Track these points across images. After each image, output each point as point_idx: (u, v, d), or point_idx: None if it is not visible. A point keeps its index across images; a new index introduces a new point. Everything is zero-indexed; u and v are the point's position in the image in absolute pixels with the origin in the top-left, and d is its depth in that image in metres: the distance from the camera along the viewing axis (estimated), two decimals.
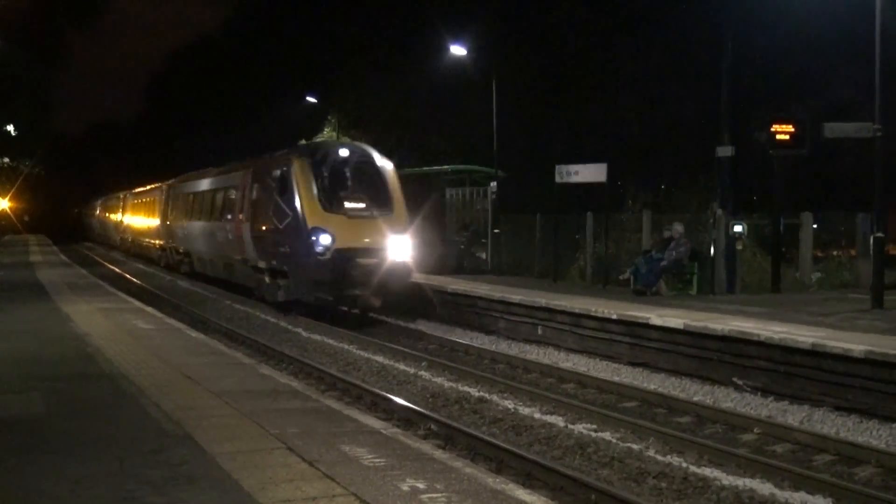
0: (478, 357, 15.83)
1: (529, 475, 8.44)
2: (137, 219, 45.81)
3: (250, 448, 7.11)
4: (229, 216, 24.87)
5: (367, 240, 19.07)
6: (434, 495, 5.93)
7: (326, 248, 18.62)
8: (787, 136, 19.33)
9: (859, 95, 21.87)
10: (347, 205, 19.47)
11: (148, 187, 44.40)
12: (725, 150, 20.46)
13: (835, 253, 23.97)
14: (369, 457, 6.89)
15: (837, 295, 19.04)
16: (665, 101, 37.65)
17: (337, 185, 19.84)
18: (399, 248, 19.22)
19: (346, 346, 16.51)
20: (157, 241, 39.11)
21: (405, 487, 6.08)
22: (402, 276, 19.33)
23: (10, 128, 63.16)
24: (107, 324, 15.55)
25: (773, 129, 19.30)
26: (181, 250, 33.01)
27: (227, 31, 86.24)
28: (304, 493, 5.93)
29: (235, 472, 6.38)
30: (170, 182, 36.85)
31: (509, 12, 44.51)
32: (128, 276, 34.22)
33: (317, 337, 17.66)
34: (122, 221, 52.68)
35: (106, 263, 42.53)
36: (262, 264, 21.50)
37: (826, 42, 31.17)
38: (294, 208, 19.32)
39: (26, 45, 51.80)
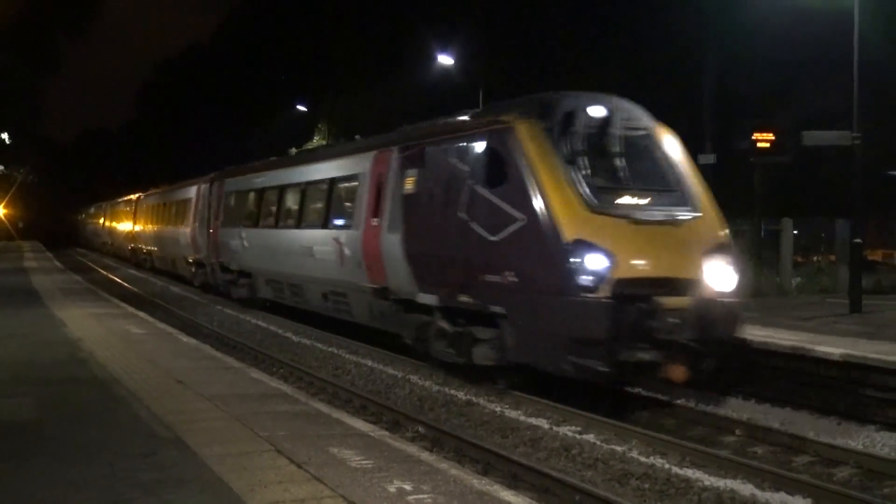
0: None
1: (515, 476, 8.46)
2: (156, 227, 37.11)
3: (240, 451, 7.11)
4: (339, 221, 17.11)
5: (668, 262, 11.05)
6: (421, 496, 5.95)
7: (600, 279, 10.52)
8: (767, 144, 19.49)
9: (843, 104, 22.10)
10: (626, 201, 11.36)
11: (175, 186, 35.26)
12: (707, 158, 20.60)
13: (814, 258, 24.15)
14: (357, 459, 6.90)
15: (817, 300, 19.17)
16: (650, 108, 37.84)
17: (601, 166, 11.70)
18: (719, 275, 11.20)
19: (335, 351, 16.49)
20: (189, 256, 29.87)
21: (392, 489, 6.10)
22: (728, 325, 11.07)
23: (5, 136, 63.02)
24: (99, 329, 15.51)
25: (754, 137, 19.46)
26: (233, 268, 24.14)
27: (217, 40, 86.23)
28: (292, 495, 5.93)
29: (225, 475, 6.38)
30: (214, 176, 27.48)
31: (496, 22, 44.67)
32: (121, 281, 34.13)
33: (306, 342, 17.63)
34: (132, 230, 44.46)
35: (99, 269, 42.39)
36: (428, 299, 13.35)
37: (810, 51, 31.40)
38: (528, 206, 11.16)
39: (19, 53, 51.71)
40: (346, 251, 16.23)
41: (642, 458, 9.13)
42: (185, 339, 15.04)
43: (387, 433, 8.35)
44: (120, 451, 7.09)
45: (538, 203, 11.04)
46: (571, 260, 10.56)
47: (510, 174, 11.58)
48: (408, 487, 6.15)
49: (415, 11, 47.65)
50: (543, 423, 10.63)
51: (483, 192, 12.00)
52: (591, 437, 10.00)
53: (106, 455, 6.96)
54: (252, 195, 23.09)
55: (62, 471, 6.54)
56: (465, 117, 13.63)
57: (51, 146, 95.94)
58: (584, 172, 11.32)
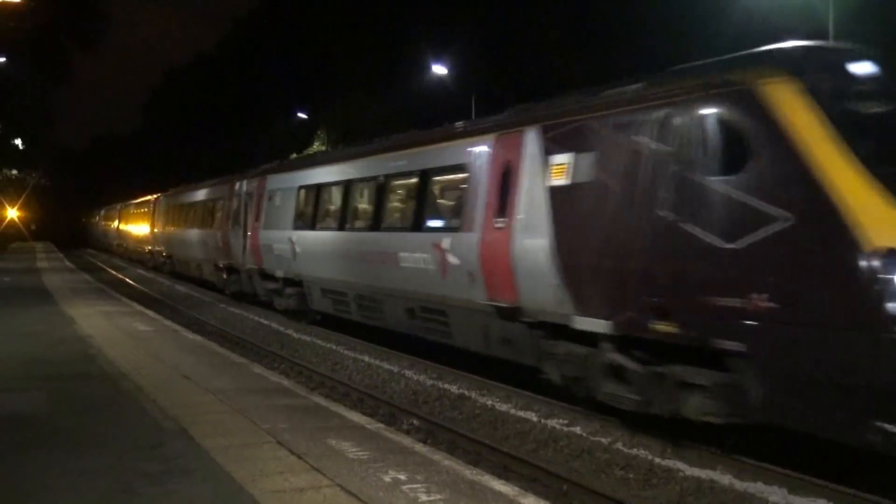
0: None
1: (505, 467, 8.48)
2: (179, 229, 33.06)
3: (242, 442, 7.12)
4: (439, 222, 13.51)
5: None
6: (414, 486, 5.97)
7: None
8: None
9: None
10: None
11: (202, 185, 30.95)
12: None
13: None
14: (354, 450, 6.92)
15: None
16: None
17: (890, 142, 7.94)
18: None
19: (333, 347, 16.49)
20: (220, 261, 25.65)
21: (387, 479, 6.11)
22: None
23: (18, 141, 63.03)
24: (108, 326, 15.50)
25: None
26: (278, 275, 20.07)
27: (221, 51, 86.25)
28: (292, 485, 5.95)
29: (228, 465, 6.40)
30: (253, 173, 23.50)
31: (488, 32, 44.74)
32: (129, 280, 34.08)
33: (306, 338, 17.63)
34: (151, 232, 40.73)
35: (109, 269, 42.33)
36: (593, 325, 9.61)
37: None
38: (797, 199, 7.54)
39: (32, 62, 51.73)
40: (452, 259, 12.54)
41: (626, 450, 9.16)
42: (190, 335, 15.05)
43: (383, 426, 8.37)
44: (127, 442, 7.11)
45: (815, 195, 7.37)
46: (881, 279, 6.86)
47: (759, 155, 7.91)
48: (402, 477, 6.16)
49: (411, 19, 47.69)
50: (532, 416, 10.65)
51: (705, 181, 8.29)
52: (577, 430, 10.01)
53: (114, 446, 6.98)
54: (305, 193, 18.98)
55: (72, 461, 6.55)
56: (637, 85, 9.78)
57: (63, 151, 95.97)
58: (873, 152, 7.55)
